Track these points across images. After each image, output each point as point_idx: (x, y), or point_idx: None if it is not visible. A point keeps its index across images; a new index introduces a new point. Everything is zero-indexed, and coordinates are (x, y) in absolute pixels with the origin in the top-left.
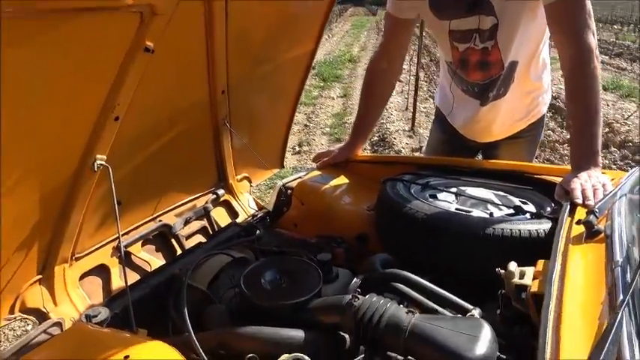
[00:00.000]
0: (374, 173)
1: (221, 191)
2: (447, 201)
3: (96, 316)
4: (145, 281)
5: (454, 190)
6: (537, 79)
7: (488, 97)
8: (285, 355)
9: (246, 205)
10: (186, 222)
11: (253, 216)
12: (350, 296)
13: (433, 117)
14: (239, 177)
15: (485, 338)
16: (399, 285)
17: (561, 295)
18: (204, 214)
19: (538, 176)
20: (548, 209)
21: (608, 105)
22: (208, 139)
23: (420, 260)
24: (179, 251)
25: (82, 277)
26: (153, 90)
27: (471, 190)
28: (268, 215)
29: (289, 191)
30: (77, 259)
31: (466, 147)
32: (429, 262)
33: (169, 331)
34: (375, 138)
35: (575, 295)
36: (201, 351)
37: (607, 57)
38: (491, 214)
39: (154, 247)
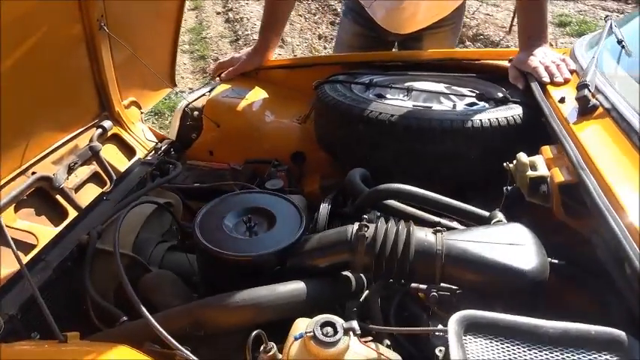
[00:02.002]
0: (293, 80)
1: (107, 123)
2: (398, 98)
3: None
4: (40, 260)
5: (400, 85)
6: None
7: None
8: (306, 320)
9: (142, 137)
10: (70, 169)
11: (155, 150)
12: (356, 226)
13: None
14: (125, 102)
15: (532, 243)
16: (394, 202)
17: (601, 178)
18: (92, 155)
19: (476, 62)
20: (499, 94)
21: None
22: (81, 50)
23: (390, 169)
24: (71, 210)
25: None
26: None
27: (417, 85)
28: (173, 146)
29: (196, 113)
30: None
31: (384, 41)
32: (401, 170)
33: (93, 321)
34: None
35: (617, 175)
36: (174, 341)
37: None
38: (454, 107)
39: (32, 210)
